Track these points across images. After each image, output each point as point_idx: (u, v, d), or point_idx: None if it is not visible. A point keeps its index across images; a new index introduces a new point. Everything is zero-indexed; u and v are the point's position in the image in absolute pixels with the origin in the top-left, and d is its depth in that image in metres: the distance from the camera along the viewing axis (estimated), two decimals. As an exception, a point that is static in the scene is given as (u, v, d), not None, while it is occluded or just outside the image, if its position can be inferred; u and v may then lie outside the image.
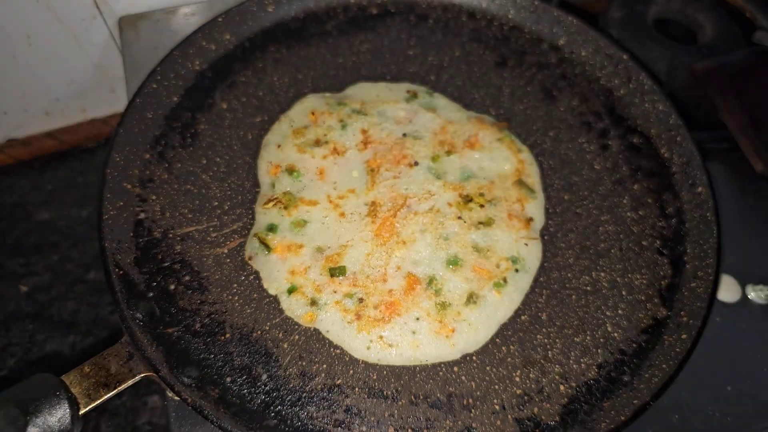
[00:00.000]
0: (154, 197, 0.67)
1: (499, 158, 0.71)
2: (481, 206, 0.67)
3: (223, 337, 0.58)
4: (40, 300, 0.97)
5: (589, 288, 0.64)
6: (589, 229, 0.69)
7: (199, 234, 0.65)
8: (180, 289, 0.61)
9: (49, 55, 1.00)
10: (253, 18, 0.83)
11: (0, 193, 1.07)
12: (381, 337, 0.58)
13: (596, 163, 0.74)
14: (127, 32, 0.95)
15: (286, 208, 0.65)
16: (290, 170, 0.68)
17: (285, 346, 0.58)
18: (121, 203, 0.64)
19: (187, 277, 0.62)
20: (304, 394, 0.56)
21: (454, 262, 0.62)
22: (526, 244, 0.65)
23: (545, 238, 0.68)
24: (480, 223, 0.65)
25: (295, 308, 0.60)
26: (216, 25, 0.79)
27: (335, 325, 0.59)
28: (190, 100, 0.75)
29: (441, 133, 0.73)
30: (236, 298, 0.61)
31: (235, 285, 0.62)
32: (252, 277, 0.62)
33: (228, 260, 0.63)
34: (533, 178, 0.71)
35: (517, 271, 0.63)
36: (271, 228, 0.64)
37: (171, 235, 0.64)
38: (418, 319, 0.59)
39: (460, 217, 0.66)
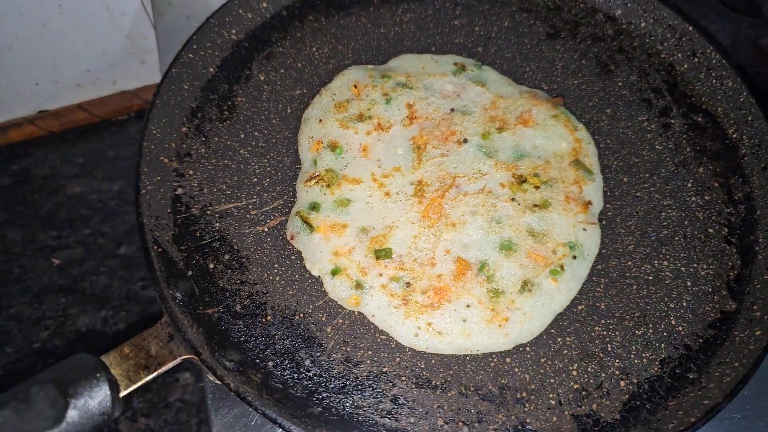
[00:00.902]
0: (191, 172, 0.64)
1: (554, 136, 0.67)
2: (536, 188, 0.62)
3: (264, 320, 0.56)
4: (73, 274, 0.96)
5: (650, 277, 0.60)
6: (651, 215, 0.64)
7: (238, 211, 0.62)
8: (219, 268, 0.58)
9: (80, 24, 0.97)
10: (292, -15, 0.78)
11: (32, 165, 1.06)
12: (429, 323, 0.55)
13: (657, 143, 0.69)
14: (159, 1, 0.91)
15: (328, 186, 0.62)
16: (333, 146, 0.65)
17: (329, 330, 0.56)
18: (159, 178, 0.62)
19: (226, 256, 0.59)
20: (349, 382, 0.53)
21: (507, 247, 0.59)
22: (585, 230, 0.61)
23: (603, 223, 0.63)
24: (535, 205, 0.61)
25: (339, 291, 0.57)
26: (253, -9, 0.75)
27: (381, 309, 0.56)
28: (227, 71, 0.72)
29: (491, 109, 0.69)
30: (277, 278, 0.58)
31: (276, 265, 0.59)
32: (294, 257, 0.60)
33: (269, 239, 0.61)
34: (591, 158, 0.66)
35: (575, 257, 0.59)
36: (314, 207, 0.61)
37: (209, 212, 0.62)
38: (469, 306, 0.56)
39: (513, 199, 0.62)
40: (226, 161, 0.65)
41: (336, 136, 0.66)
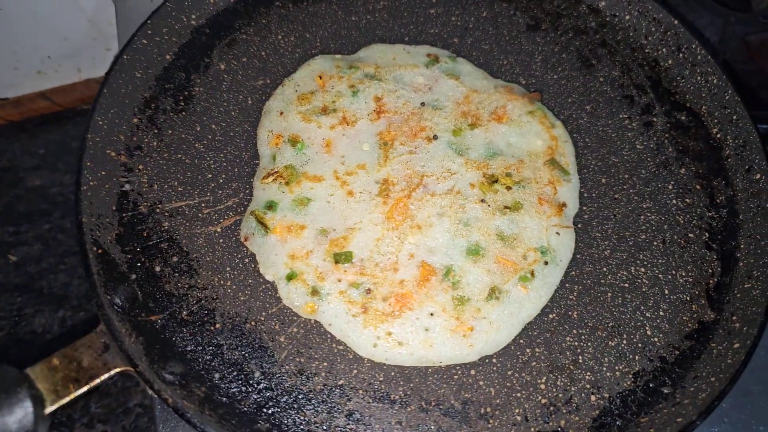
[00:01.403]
0: (141, 167, 0.60)
1: (529, 133, 0.63)
2: (508, 188, 0.59)
3: (212, 328, 0.52)
4: (30, 271, 0.92)
5: (626, 285, 0.57)
6: (629, 218, 0.61)
7: (190, 210, 0.58)
8: (167, 271, 0.54)
9: (40, 7, 0.92)
10: (258, -32, 0.74)
11: (-10, 156, 1.01)
12: (390, 333, 0.52)
13: (638, 142, 0.66)
14: (121, -17, 0.86)
15: (287, 183, 0.58)
16: (293, 141, 0.61)
17: (282, 339, 0.52)
18: (104, 173, 0.57)
19: (174, 258, 0.55)
20: (302, 396, 0.49)
21: (474, 252, 0.55)
22: (558, 233, 0.57)
23: (578, 226, 0.60)
24: (506, 207, 0.58)
25: (294, 297, 0.53)
26: (215, -26, 0.71)
27: (339, 318, 0.52)
28: (185, 59, 0.67)
29: (464, 103, 0.65)
30: (229, 283, 0.54)
31: (228, 269, 0.55)
32: (247, 260, 0.56)
33: (221, 240, 0.57)
34: (567, 157, 0.63)
35: (546, 263, 0.56)
36: (270, 206, 0.57)
37: (159, 210, 0.58)
38: (432, 314, 0.52)
39: (483, 200, 0.58)
40: (179, 155, 0.61)
41: (298, 129, 0.62)
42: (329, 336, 0.52)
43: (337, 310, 0.52)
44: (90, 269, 0.51)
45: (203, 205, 0.58)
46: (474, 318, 0.52)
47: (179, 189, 0.59)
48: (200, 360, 0.50)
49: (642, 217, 0.61)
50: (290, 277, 0.54)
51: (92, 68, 1.07)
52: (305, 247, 0.55)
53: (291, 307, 0.53)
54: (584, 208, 0.61)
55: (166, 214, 0.57)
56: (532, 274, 0.55)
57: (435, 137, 0.62)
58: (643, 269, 0.58)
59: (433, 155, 0.61)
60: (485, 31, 0.73)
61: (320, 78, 0.65)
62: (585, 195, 0.62)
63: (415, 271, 0.54)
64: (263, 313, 0.53)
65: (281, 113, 0.63)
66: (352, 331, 0.52)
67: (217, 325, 0.52)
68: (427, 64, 0.68)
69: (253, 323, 0.53)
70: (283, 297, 0.54)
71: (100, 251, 0.53)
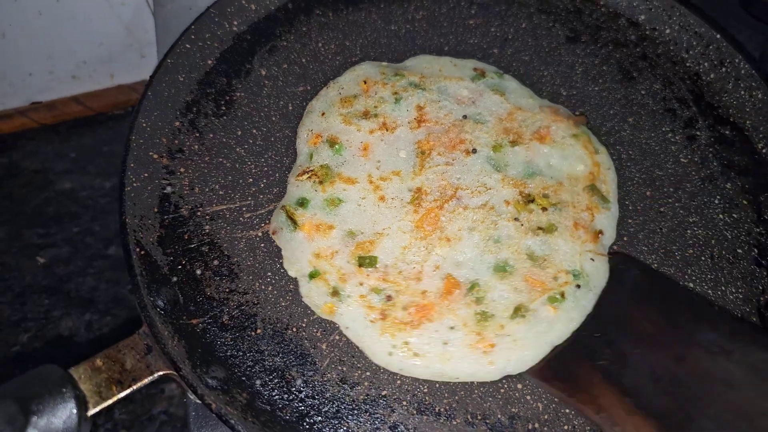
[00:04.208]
0: (182, 170, 0.60)
1: (571, 157, 0.62)
2: (544, 209, 0.57)
3: (253, 333, 0.51)
4: (58, 274, 0.92)
5: (675, 300, 0.55)
6: (675, 232, 0.59)
7: (230, 213, 0.58)
8: (207, 274, 0.54)
9: (77, 13, 0.93)
10: (298, -23, 0.74)
11: (21, 159, 1.02)
12: (407, 343, 0.50)
13: (682, 156, 0.65)
14: (160, -10, 0.87)
15: (321, 183, 0.58)
16: (332, 142, 0.60)
17: (323, 347, 0.51)
18: (146, 175, 0.57)
19: (215, 262, 0.55)
20: (344, 406, 0.48)
21: (502, 269, 0.54)
22: (593, 260, 0.55)
23: (624, 239, 0.59)
24: (539, 228, 0.56)
25: (314, 296, 0.52)
26: (257, -18, 0.71)
27: (356, 322, 0.51)
28: (226, 65, 0.68)
29: (507, 120, 0.64)
30: (270, 288, 0.54)
31: (270, 274, 0.54)
32: (288, 265, 0.55)
33: (262, 245, 0.56)
34: (609, 185, 0.61)
35: (578, 287, 0.53)
36: (302, 203, 0.57)
37: (200, 213, 0.57)
38: (452, 328, 0.50)
39: (517, 219, 0.57)
40: (220, 159, 0.61)
41: (337, 131, 0.61)
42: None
43: (356, 313, 0.51)
44: (133, 269, 0.50)
45: (244, 209, 0.58)
46: (496, 335, 0.50)
47: (220, 193, 0.59)
48: (241, 365, 0.49)
49: (689, 231, 0.60)
50: (312, 275, 0.53)
51: (125, 74, 1.08)
52: (331, 247, 0.54)
53: (310, 305, 0.52)
54: (630, 221, 0.60)
55: (207, 217, 0.57)
56: (563, 295, 0.53)
57: (474, 151, 0.61)
58: (691, 285, 0.57)
59: (470, 168, 0.60)
60: (525, 42, 0.73)
61: (365, 83, 0.65)
62: (630, 207, 0.61)
63: (439, 282, 0.53)
64: (304, 320, 0.52)
65: (323, 114, 0.62)
66: (369, 337, 0.50)
67: (258, 331, 0.51)
68: (473, 78, 0.67)
69: (294, 329, 0.52)
70: (303, 294, 0.53)
71: (142, 252, 0.52)
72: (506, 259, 0.54)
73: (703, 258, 0.58)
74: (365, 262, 0.53)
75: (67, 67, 1.01)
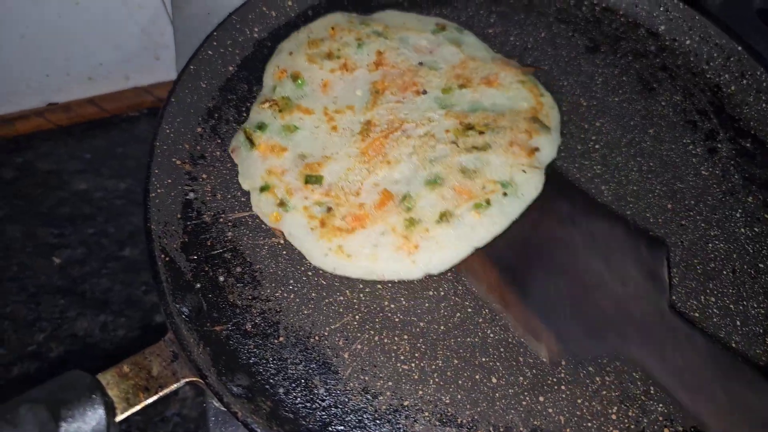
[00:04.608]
0: (204, 176, 0.60)
1: (516, 98, 0.65)
2: (480, 133, 0.61)
3: (276, 341, 0.51)
4: (73, 274, 0.92)
5: (696, 314, 0.55)
6: (696, 245, 0.59)
7: (252, 220, 0.58)
8: (230, 281, 0.54)
9: (95, 16, 0.94)
10: (319, -17, 0.75)
11: (36, 159, 1.02)
12: (340, 246, 0.54)
13: (703, 168, 0.65)
14: (178, -6, 0.88)
15: (280, 111, 0.62)
16: (295, 77, 0.65)
17: (346, 356, 0.51)
18: (170, 181, 0.58)
19: (238, 269, 0.55)
20: (367, 415, 0.48)
21: (433, 181, 0.58)
22: (524, 171, 0.58)
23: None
24: (474, 147, 0.60)
25: (263, 206, 0.57)
26: (279, -11, 0.72)
27: (298, 229, 0.56)
28: (247, 71, 0.68)
29: (460, 67, 0.67)
30: (292, 296, 0.54)
31: (292, 281, 0.55)
32: (310, 273, 0.55)
33: (284, 252, 0.56)
34: (552, 120, 0.64)
35: (505, 194, 0.57)
36: (261, 126, 0.61)
37: (222, 220, 0.57)
38: (383, 233, 0.55)
39: (454, 142, 0.60)
40: (242, 166, 0.61)
41: (301, 68, 0.66)
42: (393, 354, 0.51)
43: (299, 222, 0.56)
44: (159, 276, 0.50)
45: (266, 216, 0.58)
46: (422, 238, 0.54)
47: (242, 199, 0.59)
48: (265, 373, 0.49)
49: (710, 244, 0.60)
50: (263, 189, 0.57)
51: (140, 76, 1.08)
52: (282, 166, 0.59)
53: (259, 214, 0.57)
54: (650, 234, 0.60)
55: (230, 224, 0.57)
56: (488, 202, 0.56)
57: (424, 92, 0.65)
58: (713, 299, 0.57)
59: (418, 107, 0.64)
60: (544, 51, 0.73)
61: (333, 29, 0.68)
62: (651, 220, 0.61)
63: (375, 196, 0.57)
64: (327, 328, 0.52)
65: (290, 53, 0.66)
66: (308, 242, 0.55)
67: (281, 338, 0.52)
68: (433, 31, 0.71)
69: (316, 338, 0.52)
70: (253, 205, 0.58)
71: (167, 259, 0.52)
72: (438, 173, 0.58)
73: (724, 272, 0.58)
74: (312, 179, 0.58)
75: (83, 69, 1.02)
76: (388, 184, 0.58)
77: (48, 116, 1.05)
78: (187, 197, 0.58)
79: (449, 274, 0.56)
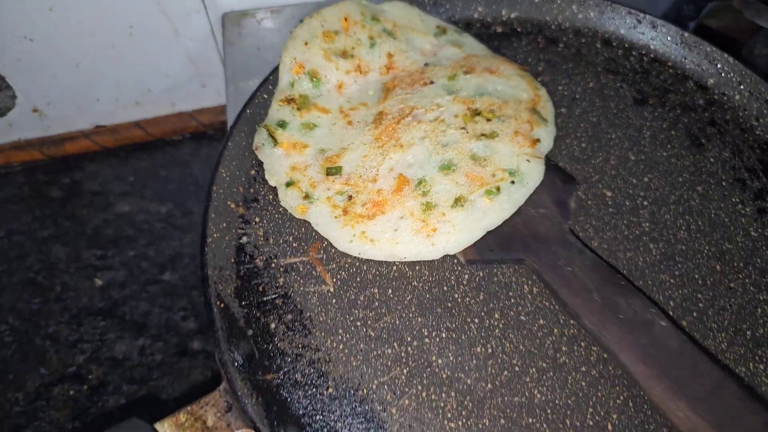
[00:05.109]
0: (257, 219, 0.61)
1: (516, 87, 0.69)
2: (488, 120, 0.64)
3: (326, 392, 0.52)
4: (114, 297, 0.94)
5: (745, 382, 0.55)
6: (746, 310, 0.59)
7: (303, 266, 0.59)
8: (281, 329, 0.55)
9: (147, 46, 0.97)
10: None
11: (83, 180, 1.05)
12: (363, 232, 0.57)
13: (752, 229, 0.64)
14: (229, 30, 0.90)
15: (299, 109, 0.65)
16: (312, 75, 0.67)
17: (394, 411, 0.52)
18: (224, 224, 0.59)
19: (289, 316, 0.56)
20: (415, 474, 0.49)
21: (447, 167, 0.61)
22: (528, 161, 0.62)
23: (694, 315, 0.58)
24: (483, 135, 0.63)
25: (290, 200, 0.61)
26: (332, 32, 0.73)
27: (324, 218, 0.59)
28: (299, 113, 0.69)
29: (463, 60, 0.71)
30: (341, 346, 0.55)
31: (341, 331, 0.55)
32: (359, 323, 0.56)
33: (334, 301, 0.57)
34: (547, 113, 0.68)
35: (513, 183, 0.61)
36: (282, 124, 0.64)
37: (274, 265, 0.59)
38: (402, 218, 0.58)
39: (463, 128, 0.64)
40: (293, 211, 0.62)
41: (318, 66, 0.68)
42: (440, 412, 0.52)
43: (324, 212, 0.59)
44: (215, 324, 0.52)
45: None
46: (438, 221, 0.58)
47: (294, 245, 0.60)
48: (314, 425, 0.50)
49: (759, 309, 0.59)
50: (289, 184, 0.61)
51: (185, 102, 1.11)
52: (305, 162, 0.63)
53: (287, 207, 0.61)
54: (699, 296, 0.59)
55: (281, 269, 0.58)
56: (498, 189, 0.60)
57: (432, 82, 0.68)
58: (762, 366, 0.56)
59: (426, 94, 0.67)
60: (592, 102, 0.73)
61: (345, 20, 0.70)
62: (699, 282, 0.60)
63: (392, 181, 0.60)
64: (375, 381, 0.53)
65: (306, 44, 0.68)
66: (333, 230, 0.58)
67: (330, 390, 0.52)
68: (435, 34, 0.75)
69: (365, 390, 0.52)
70: (281, 199, 0.61)
71: (222, 305, 0.54)
72: (451, 159, 0.61)
73: (774, 339, 0.58)
74: (332, 171, 0.62)
75: (132, 95, 1.05)
76: (402, 168, 0.61)
77: (95, 138, 1.08)
78: (241, 241, 0.59)
79: (497, 331, 0.56)
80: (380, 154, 0.62)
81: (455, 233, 0.57)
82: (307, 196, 0.60)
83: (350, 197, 0.59)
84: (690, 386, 0.49)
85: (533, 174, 0.62)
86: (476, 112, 0.65)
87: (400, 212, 0.58)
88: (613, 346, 0.52)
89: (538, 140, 0.64)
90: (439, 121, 0.64)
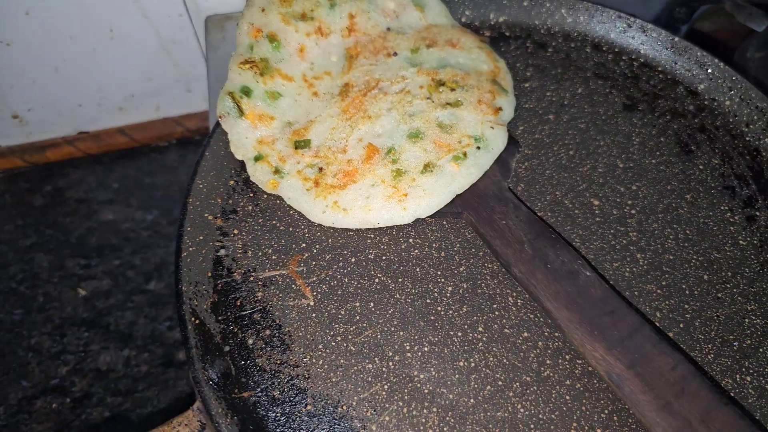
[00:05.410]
0: (236, 231, 0.60)
1: (477, 60, 0.70)
2: (452, 89, 0.65)
3: (304, 409, 0.51)
4: (98, 306, 0.93)
5: (732, 393, 0.54)
6: (733, 320, 0.58)
7: (283, 280, 0.58)
8: (259, 344, 0.54)
9: (129, 50, 0.95)
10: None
11: (66, 187, 1.04)
12: (336, 202, 0.58)
13: (741, 238, 0.63)
14: (213, 33, 0.89)
15: (261, 75, 0.64)
16: (271, 38, 0.66)
17: (374, 428, 0.50)
18: (201, 237, 0.58)
19: (267, 331, 0.54)
20: (395, 494, 0.47)
21: (415, 135, 0.62)
22: (492, 128, 0.64)
23: (681, 326, 0.57)
24: (448, 103, 0.65)
25: (260, 175, 0.61)
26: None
27: (295, 192, 0.60)
28: (281, 121, 0.68)
29: (424, 32, 0.72)
30: (321, 362, 0.53)
31: (321, 346, 0.54)
32: (339, 338, 0.55)
33: (314, 315, 0.56)
34: (507, 84, 0.70)
35: (478, 148, 0.62)
36: (246, 91, 0.63)
37: (252, 279, 0.57)
38: (373, 185, 0.59)
39: (429, 98, 0.65)
40: (274, 222, 0.61)
41: (276, 29, 0.67)
42: (422, 428, 0.51)
43: (294, 185, 0.60)
44: (189, 341, 0.50)
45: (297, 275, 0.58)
46: (409, 187, 0.59)
47: (273, 257, 0.59)
48: (292, 445, 0.49)
49: (747, 320, 0.58)
50: (257, 158, 0.61)
51: (170, 107, 1.09)
52: (272, 135, 0.62)
53: (257, 183, 0.61)
54: (686, 306, 0.58)
55: (260, 283, 0.57)
56: (465, 155, 0.61)
57: (395, 54, 0.69)
58: (749, 378, 0.55)
59: (390, 67, 0.68)
60: (581, 108, 0.72)
61: None
62: (686, 292, 0.59)
63: (361, 151, 0.61)
64: (355, 397, 0.52)
65: (263, 10, 0.67)
66: (305, 202, 0.59)
67: (309, 407, 0.51)
68: None
69: (344, 407, 0.51)
70: (250, 174, 0.61)
71: (197, 321, 0.52)
72: (418, 128, 0.63)
73: (761, 349, 0.56)
74: (301, 144, 0.62)
75: (115, 100, 1.03)
76: (371, 138, 0.62)
77: (78, 144, 1.06)
78: (218, 254, 0.58)
79: (480, 344, 0.55)
80: (349, 126, 0.63)
81: (426, 197, 0.59)
82: (277, 171, 0.61)
83: (321, 169, 0.60)
84: (608, 331, 0.52)
85: (497, 140, 0.64)
86: (440, 83, 0.66)
87: (371, 180, 0.59)
88: (540, 293, 0.55)
89: (500, 109, 0.66)
90: (404, 92, 0.65)
